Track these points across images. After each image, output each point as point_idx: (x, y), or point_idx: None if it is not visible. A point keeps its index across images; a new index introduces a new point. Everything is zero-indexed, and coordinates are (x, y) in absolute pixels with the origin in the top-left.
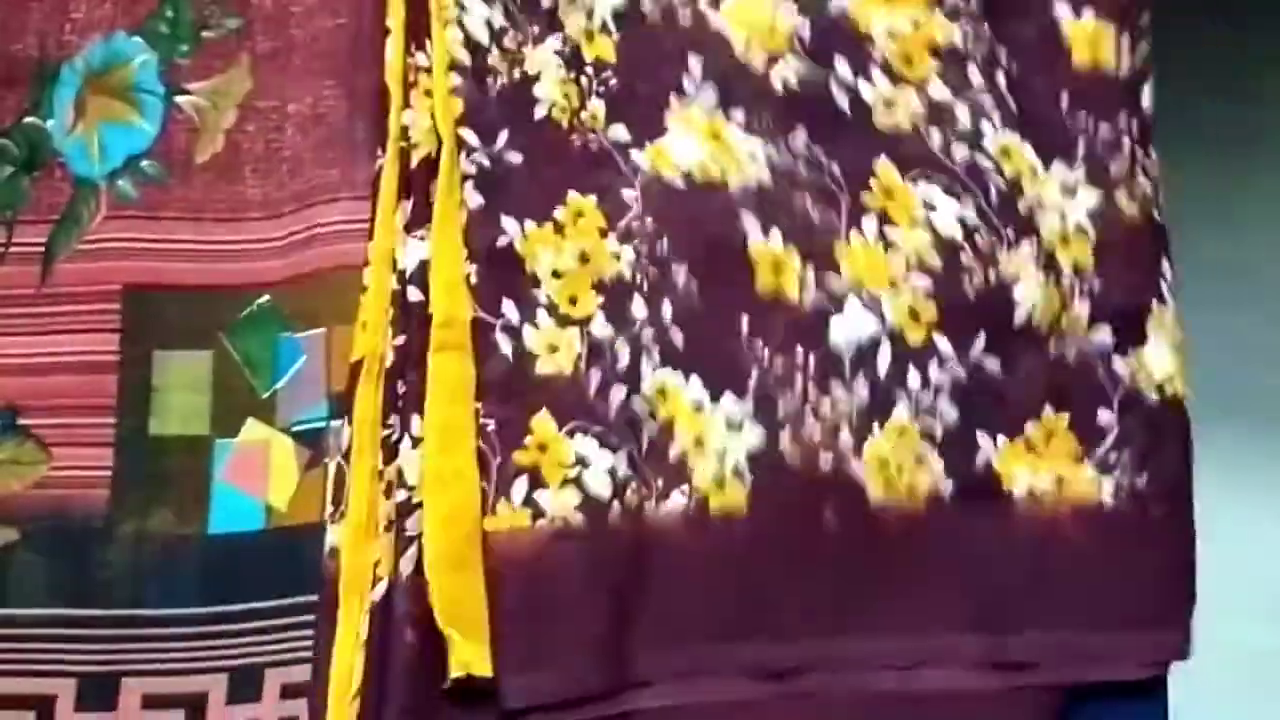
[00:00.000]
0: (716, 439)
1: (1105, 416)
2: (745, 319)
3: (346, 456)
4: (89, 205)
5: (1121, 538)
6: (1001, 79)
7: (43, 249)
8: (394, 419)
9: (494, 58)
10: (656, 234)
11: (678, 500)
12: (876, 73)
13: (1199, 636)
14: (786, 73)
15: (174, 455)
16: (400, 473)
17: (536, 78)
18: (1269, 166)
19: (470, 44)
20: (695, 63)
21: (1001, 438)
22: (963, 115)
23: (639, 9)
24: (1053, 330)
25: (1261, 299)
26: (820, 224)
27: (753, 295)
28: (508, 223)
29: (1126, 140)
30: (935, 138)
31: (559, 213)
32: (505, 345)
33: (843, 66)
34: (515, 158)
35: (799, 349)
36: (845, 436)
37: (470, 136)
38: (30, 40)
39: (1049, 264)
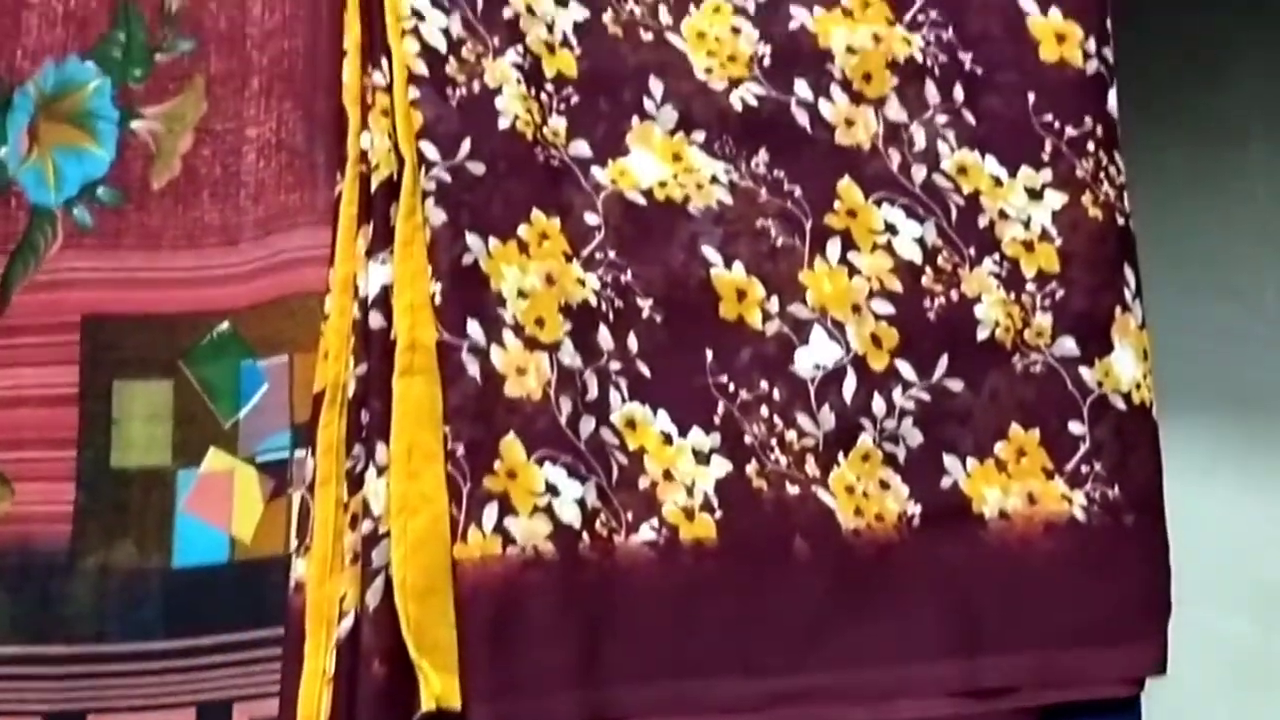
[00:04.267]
0: (685, 471)
1: (1076, 428)
2: (710, 351)
3: (311, 488)
4: (45, 234)
5: (1096, 551)
6: (960, 92)
7: None
8: (358, 449)
9: (452, 67)
10: (620, 265)
11: (647, 533)
12: (836, 90)
13: (1176, 625)
14: (746, 94)
15: (136, 487)
16: (365, 503)
17: (498, 90)
18: (1249, 154)
19: (427, 53)
20: (656, 84)
21: (971, 460)
22: (919, 137)
23: (600, 23)
24: (1017, 346)
25: (1240, 288)
26: (783, 249)
27: (717, 326)
28: (472, 239)
29: (1092, 143)
30: (894, 158)
31: (523, 230)
32: (472, 367)
33: (803, 87)
34: (478, 168)
35: (764, 380)
36: (812, 466)
37: (430, 150)
38: None
39: (1011, 278)
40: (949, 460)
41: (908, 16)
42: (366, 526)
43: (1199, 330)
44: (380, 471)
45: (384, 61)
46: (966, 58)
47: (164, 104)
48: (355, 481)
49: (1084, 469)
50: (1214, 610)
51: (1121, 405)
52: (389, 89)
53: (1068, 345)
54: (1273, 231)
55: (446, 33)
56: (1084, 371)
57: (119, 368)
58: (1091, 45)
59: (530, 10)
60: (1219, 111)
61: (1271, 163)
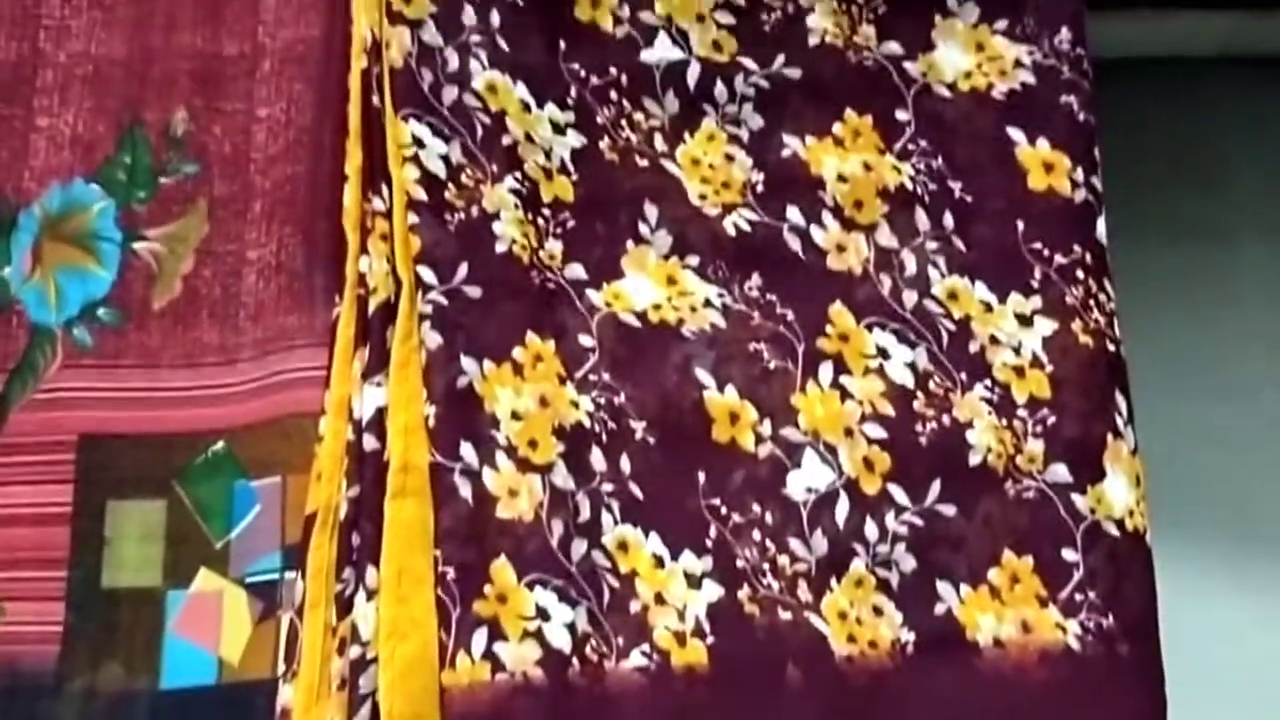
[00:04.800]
0: (677, 595)
1: (1070, 555)
2: (703, 474)
3: (300, 611)
4: (45, 353)
5: (1091, 682)
6: (950, 220)
7: None
8: (348, 572)
9: (451, 193)
10: (614, 387)
11: (638, 658)
12: (828, 217)
13: None
14: (739, 219)
15: (126, 607)
16: (354, 628)
17: (495, 215)
18: (1241, 256)
19: (427, 179)
20: (651, 209)
21: (964, 586)
22: (910, 263)
23: (597, 150)
24: (1009, 472)
25: (1233, 390)
26: (776, 373)
27: (710, 449)
28: (467, 362)
29: (1081, 270)
30: (886, 283)
31: (518, 353)
32: (464, 489)
33: (795, 213)
34: (474, 291)
35: (756, 503)
36: (804, 591)
37: (427, 274)
38: None
39: (1003, 403)
40: (942, 586)
41: (898, 146)
42: (355, 651)
43: (1194, 433)
44: (370, 595)
45: (384, 187)
46: (956, 186)
47: (167, 225)
48: (345, 605)
49: (1078, 597)
50: (1209, 715)
51: (1115, 532)
52: (388, 214)
53: (1060, 471)
54: (1265, 333)
55: (446, 159)
56: (1076, 498)
57: (114, 487)
58: (1079, 174)
59: (529, 138)
60: (1210, 214)
61: (1264, 265)
